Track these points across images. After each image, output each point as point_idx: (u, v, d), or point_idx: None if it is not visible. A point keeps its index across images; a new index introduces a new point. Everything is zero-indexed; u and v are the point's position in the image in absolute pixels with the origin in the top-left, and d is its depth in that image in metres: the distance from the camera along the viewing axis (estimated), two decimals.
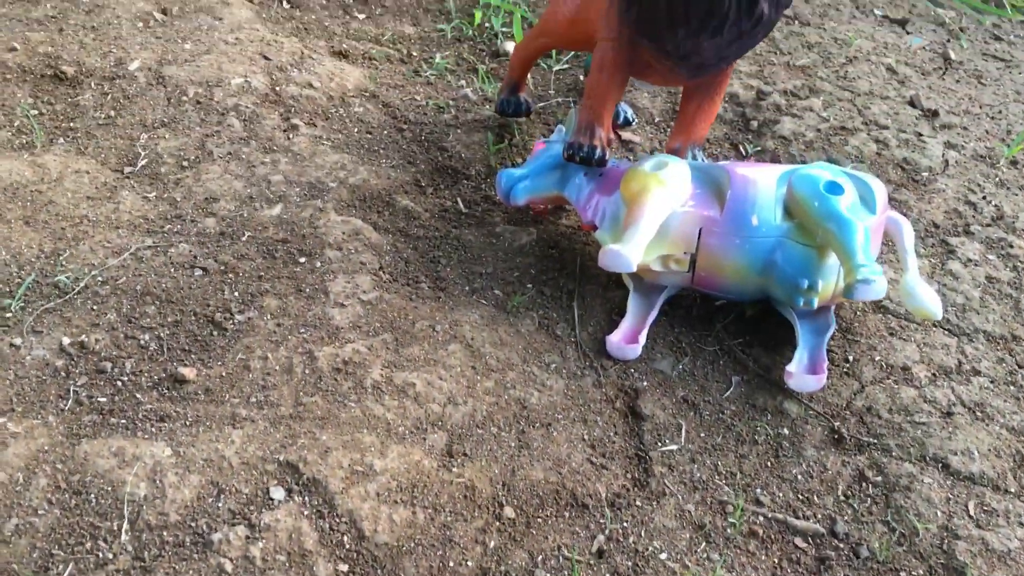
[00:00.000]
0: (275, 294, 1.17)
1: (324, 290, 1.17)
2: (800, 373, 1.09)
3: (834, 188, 1.10)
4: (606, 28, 1.19)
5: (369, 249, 1.24)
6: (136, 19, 1.64)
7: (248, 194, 1.32)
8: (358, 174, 1.38)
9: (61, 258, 1.19)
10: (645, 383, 1.12)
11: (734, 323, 1.20)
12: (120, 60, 1.53)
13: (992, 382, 1.14)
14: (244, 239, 1.25)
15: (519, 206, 1.28)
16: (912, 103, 1.64)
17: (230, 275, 1.19)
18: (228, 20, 1.67)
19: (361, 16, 1.83)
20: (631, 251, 1.06)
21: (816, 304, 1.12)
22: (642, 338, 1.14)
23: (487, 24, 1.81)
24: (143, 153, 1.37)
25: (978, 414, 1.09)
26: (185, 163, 1.36)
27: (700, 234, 1.13)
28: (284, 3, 1.81)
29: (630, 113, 1.54)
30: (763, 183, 1.13)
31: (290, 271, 1.20)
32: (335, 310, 1.15)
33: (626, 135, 1.53)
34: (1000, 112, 1.69)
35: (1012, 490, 1.01)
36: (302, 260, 1.22)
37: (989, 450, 1.05)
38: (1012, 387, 1.13)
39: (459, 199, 1.38)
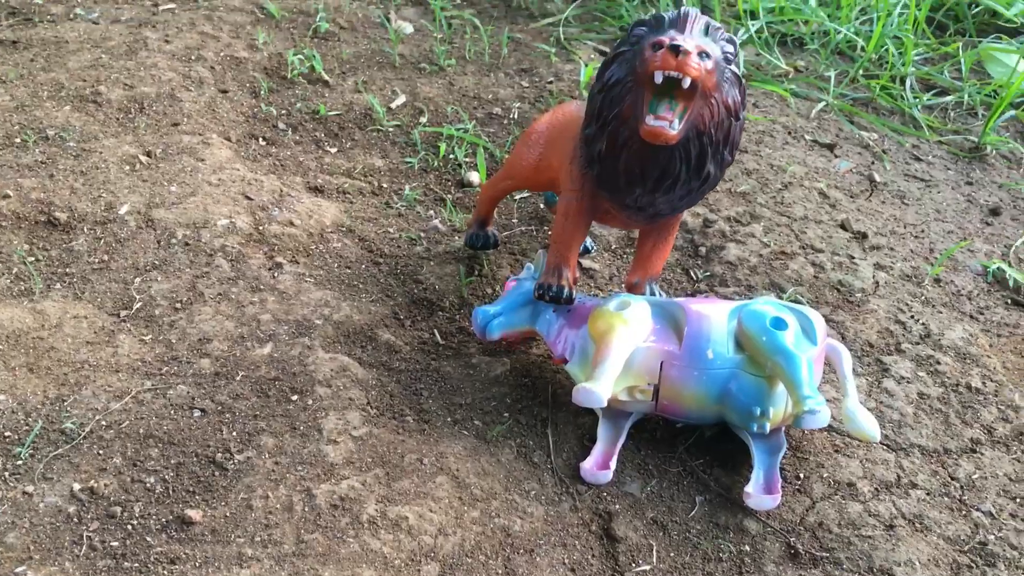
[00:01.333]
0: (271, 433, 1.25)
1: (317, 427, 1.26)
2: (757, 493, 1.20)
3: (779, 324, 1.23)
4: (569, 181, 1.32)
5: (356, 385, 1.34)
6: (122, 163, 1.74)
7: (239, 334, 1.41)
8: (341, 310, 1.48)
9: (65, 403, 1.27)
10: (617, 506, 1.22)
11: (695, 444, 1.32)
12: (110, 204, 1.62)
13: (928, 494, 1.26)
14: (238, 379, 1.34)
15: (494, 341, 1.39)
16: (843, 226, 1.80)
17: (227, 415, 1.28)
18: (210, 161, 1.78)
19: (333, 150, 1.95)
20: (601, 388, 1.18)
21: (768, 428, 1.23)
22: (613, 463, 1.25)
23: (451, 155, 1.94)
24: (137, 296, 1.46)
25: (917, 526, 1.21)
26: (178, 305, 1.45)
27: (662, 367, 1.24)
28: (260, 140, 1.93)
29: (589, 242, 1.67)
30: (716, 319, 1.26)
31: (284, 409, 1.29)
32: (329, 447, 1.23)
33: (586, 263, 1.66)
34: (923, 231, 1.85)
35: None
36: (294, 398, 1.31)
37: (928, 560, 1.16)
38: (946, 498, 1.26)
39: (436, 331, 1.49)
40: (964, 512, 1.24)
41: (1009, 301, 1.69)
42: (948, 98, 2.34)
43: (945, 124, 2.27)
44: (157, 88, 1.99)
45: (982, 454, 1.33)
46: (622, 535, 1.18)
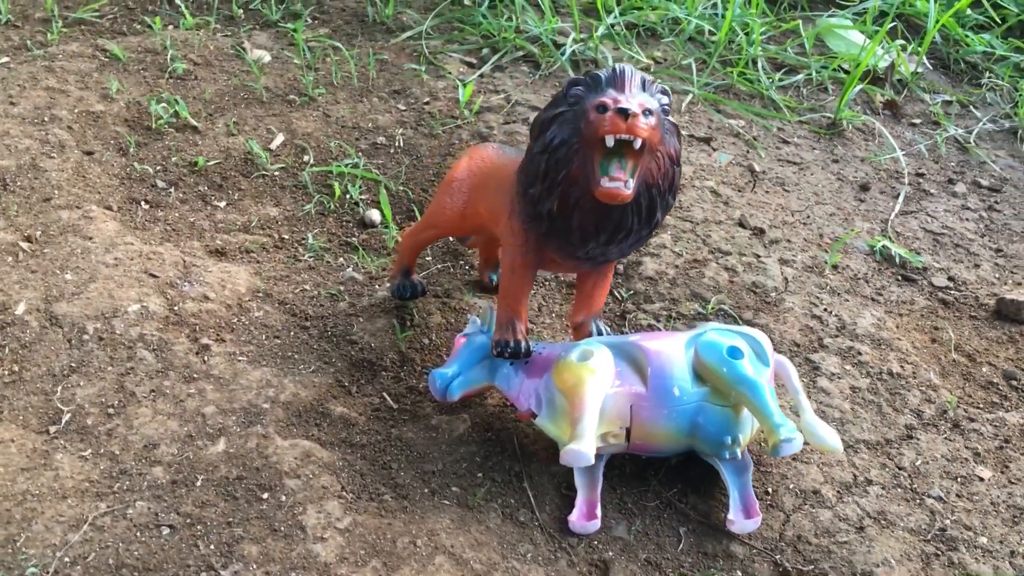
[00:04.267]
0: (251, 539, 1.21)
1: (299, 525, 1.23)
2: (739, 519, 1.26)
3: (735, 352, 1.28)
4: (511, 235, 1.32)
5: (325, 470, 1.30)
6: (3, 253, 1.60)
7: (187, 433, 1.34)
8: (285, 389, 1.43)
9: (19, 544, 1.18)
10: (610, 553, 1.25)
11: (665, 474, 1.36)
12: (3, 305, 1.50)
13: (883, 488, 1.35)
14: (199, 484, 1.28)
15: (453, 401, 1.38)
16: (741, 224, 1.88)
17: (199, 527, 1.22)
18: (98, 238, 1.67)
19: (222, 204, 1.86)
20: (587, 446, 1.20)
21: (740, 454, 1.29)
22: (598, 511, 1.27)
23: (347, 195, 1.89)
24: (64, 408, 1.36)
25: (882, 523, 1.30)
26: (111, 410, 1.37)
27: (631, 409, 1.28)
28: (143, 204, 1.82)
29: None
30: (675, 354, 1.30)
31: (258, 510, 1.24)
32: (318, 545, 1.20)
33: None
34: (808, 217, 1.96)
35: None
36: (265, 496, 1.26)
37: (902, 556, 1.25)
38: (899, 489, 1.36)
39: (385, 394, 1.46)
40: (918, 501, 1.34)
41: (900, 277, 1.81)
42: (798, 76, 2.47)
43: (800, 103, 2.39)
44: (16, 160, 1.84)
45: (918, 439, 1.44)
46: None
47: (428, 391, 1.46)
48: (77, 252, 1.63)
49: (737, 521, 1.26)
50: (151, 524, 1.22)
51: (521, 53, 2.40)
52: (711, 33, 2.59)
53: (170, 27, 2.43)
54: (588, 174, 1.17)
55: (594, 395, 1.24)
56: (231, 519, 1.23)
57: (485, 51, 2.42)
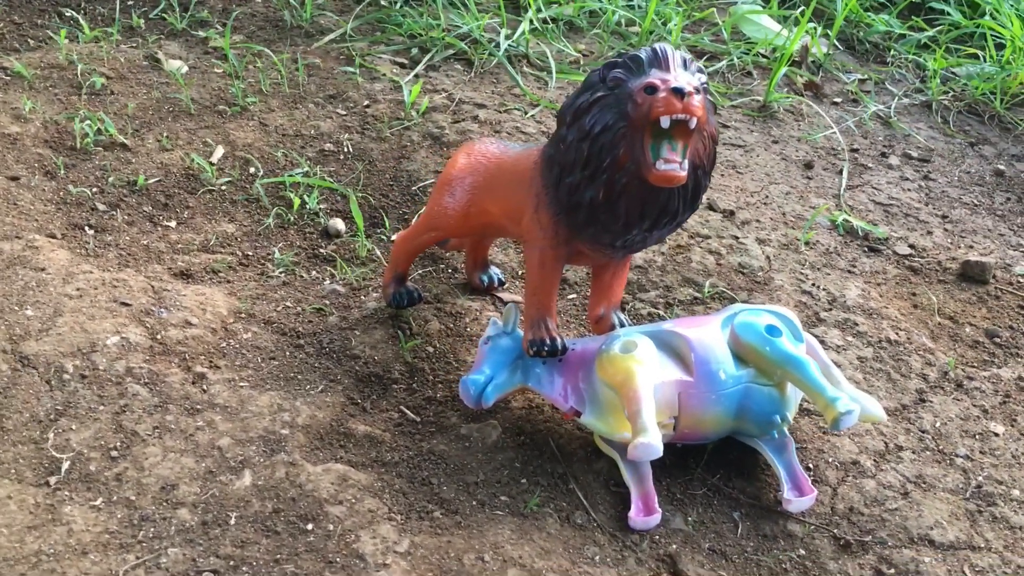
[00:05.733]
0: (307, 575, 1.12)
1: (356, 554, 1.14)
2: (795, 498, 1.25)
3: (773, 331, 1.28)
4: (538, 230, 1.27)
5: (366, 493, 1.22)
6: None
7: (206, 468, 1.23)
8: (299, 412, 1.33)
9: None
10: (674, 546, 1.22)
11: (706, 461, 1.34)
12: None
13: (914, 453, 1.38)
14: (233, 523, 1.17)
15: (488, 407, 1.32)
16: (711, 207, 1.89)
17: (244, 568, 1.12)
18: (51, 268, 1.52)
19: (173, 224, 1.74)
20: (654, 438, 1.16)
21: (787, 432, 1.29)
22: (656, 504, 1.24)
23: (305, 206, 1.80)
24: (61, 456, 1.23)
25: (923, 486, 1.32)
26: (114, 453, 1.24)
27: (679, 398, 1.25)
28: (88, 230, 1.67)
29: (500, 275, 1.63)
30: (715, 340, 1.28)
31: (306, 543, 1.15)
32: (381, 573, 1.12)
33: (506, 296, 1.62)
34: (767, 197, 1.99)
35: (982, 545, 1.24)
36: (309, 527, 1.17)
37: (951, 516, 1.28)
38: (928, 452, 1.38)
39: (404, 408, 1.39)
40: (948, 462, 1.37)
41: (866, 248, 1.86)
42: (721, 63, 2.51)
43: (729, 88, 2.43)
44: None
45: (931, 401, 1.47)
46: (693, 574, 1.19)
47: (447, 401, 1.40)
48: (32, 285, 1.48)
49: (794, 500, 1.25)
50: (191, 571, 1.11)
51: (451, 51, 2.35)
52: (630, 24, 2.61)
53: (66, 40, 2.25)
54: (637, 158, 1.14)
55: (646, 385, 1.21)
56: (278, 556, 1.14)
57: (414, 51, 2.35)
